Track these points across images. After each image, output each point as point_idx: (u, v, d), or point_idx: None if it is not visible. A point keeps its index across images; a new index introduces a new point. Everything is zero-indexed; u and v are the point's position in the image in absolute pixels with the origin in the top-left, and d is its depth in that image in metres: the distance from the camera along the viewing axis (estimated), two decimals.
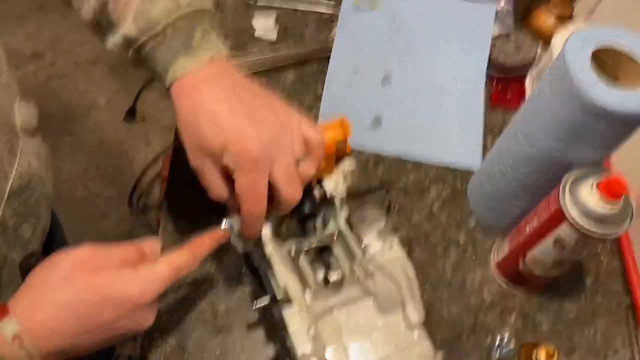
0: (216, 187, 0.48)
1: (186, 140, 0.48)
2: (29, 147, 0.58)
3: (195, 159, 0.47)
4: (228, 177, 0.47)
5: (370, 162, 0.77)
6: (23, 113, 0.58)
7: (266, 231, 0.54)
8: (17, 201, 0.54)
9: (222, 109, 0.46)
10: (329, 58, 0.84)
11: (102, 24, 0.50)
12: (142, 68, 0.51)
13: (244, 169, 0.45)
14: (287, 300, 0.49)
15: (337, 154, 0.56)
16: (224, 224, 0.54)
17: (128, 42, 0.48)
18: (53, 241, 0.83)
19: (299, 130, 0.49)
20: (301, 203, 0.52)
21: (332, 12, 0.90)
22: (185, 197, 0.71)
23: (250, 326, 0.64)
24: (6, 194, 0.52)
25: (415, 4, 0.89)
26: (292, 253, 0.55)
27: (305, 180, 0.49)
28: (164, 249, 0.67)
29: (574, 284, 0.69)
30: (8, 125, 0.53)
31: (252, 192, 0.46)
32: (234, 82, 0.48)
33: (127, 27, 0.47)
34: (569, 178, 0.54)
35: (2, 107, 0.53)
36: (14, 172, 0.53)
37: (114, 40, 0.49)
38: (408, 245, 0.70)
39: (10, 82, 0.59)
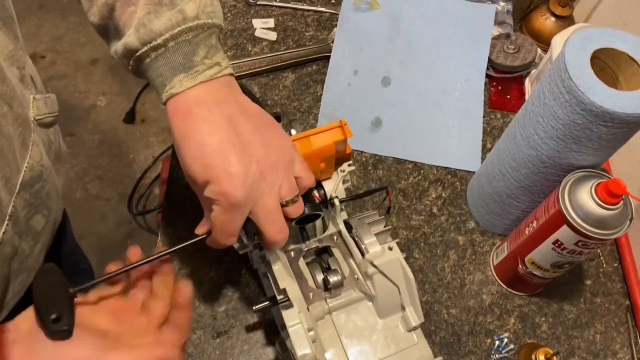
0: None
1: (179, 160, 0.47)
2: (41, 139, 0.58)
3: (186, 178, 0.47)
4: None
5: (369, 163, 0.77)
6: (39, 106, 0.58)
7: None
8: (29, 193, 0.55)
9: (212, 141, 0.43)
10: (329, 58, 0.84)
11: (109, 29, 0.49)
12: (141, 78, 0.49)
13: (223, 209, 0.44)
14: (287, 301, 0.49)
15: (337, 155, 0.56)
16: None
17: (128, 52, 0.46)
18: (64, 236, 0.83)
19: (291, 170, 0.48)
20: None
21: (332, 12, 0.90)
22: (184, 199, 0.71)
23: (250, 328, 0.64)
24: (18, 186, 0.52)
25: (415, 4, 0.89)
26: (292, 254, 0.55)
27: (290, 218, 0.49)
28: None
29: (573, 286, 0.69)
30: (21, 117, 0.53)
31: (225, 229, 0.46)
32: (231, 109, 0.45)
33: (129, 35, 0.45)
34: (568, 180, 0.54)
35: (19, 100, 0.53)
36: (25, 164, 0.53)
37: (115, 47, 0.48)
38: (407, 247, 0.70)
39: (31, 75, 0.59)
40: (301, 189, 0.49)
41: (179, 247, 0.51)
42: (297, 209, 0.49)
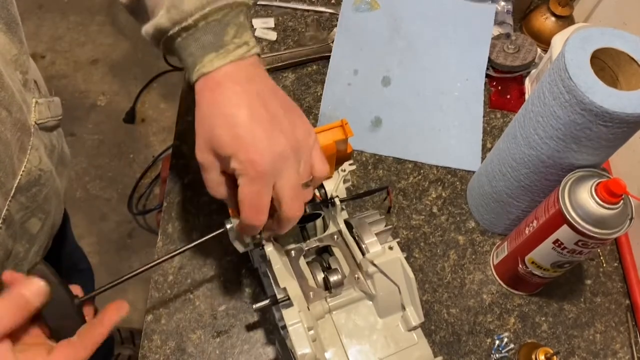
0: (215, 185, 0.48)
1: (198, 134, 0.47)
2: (41, 143, 0.58)
3: (201, 154, 0.47)
4: (230, 177, 0.47)
5: (370, 162, 0.77)
6: (41, 110, 0.58)
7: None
8: (25, 196, 0.55)
9: (242, 113, 0.44)
10: (329, 58, 0.84)
11: (139, 9, 0.50)
12: (171, 56, 0.50)
13: (250, 179, 0.44)
14: (287, 300, 0.49)
15: (338, 154, 0.56)
16: (227, 225, 0.54)
17: (159, 32, 0.46)
18: (64, 238, 0.83)
19: (310, 156, 0.48)
20: None
21: (332, 12, 0.90)
22: (184, 199, 0.72)
23: (250, 327, 0.64)
24: (13, 190, 0.52)
25: (415, 4, 0.89)
26: (292, 254, 0.55)
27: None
28: (165, 249, 0.68)
29: (573, 285, 0.69)
30: (20, 122, 0.53)
31: (254, 203, 0.45)
32: (260, 87, 0.46)
33: (160, 16, 0.46)
34: (568, 179, 0.54)
35: (19, 105, 0.53)
36: (23, 168, 0.54)
37: (146, 28, 0.48)
38: (407, 247, 0.70)
39: (35, 79, 0.59)
40: (316, 177, 0.49)
41: (200, 241, 0.51)
42: (309, 194, 0.49)
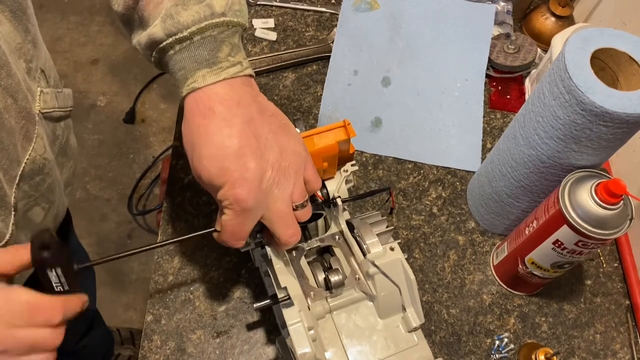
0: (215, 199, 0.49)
1: (188, 156, 0.47)
2: (46, 132, 0.57)
3: (194, 176, 0.47)
4: None
5: (370, 163, 0.77)
6: (46, 99, 0.57)
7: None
8: (28, 184, 0.54)
9: (232, 144, 0.43)
10: (329, 58, 0.84)
11: (133, 19, 0.49)
12: (163, 71, 0.49)
13: (234, 213, 0.44)
14: (288, 300, 0.49)
15: (340, 155, 0.56)
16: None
17: (152, 43, 0.46)
18: (68, 233, 0.83)
19: (301, 176, 0.48)
20: None
21: (332, 12, 0.90)
22: (184, 199, 0.72)
23: (250, 327, 0.64)
24: (17, 178, 0.52)
25: (415, 4, 0.89)
26: (294, 253, 0.55)
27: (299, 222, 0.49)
28: (165, 249, 0.68)
29: (573, 286, 0.69)
30: (25, 110, 0.52)
31: (235, 231, 0.46)
32: (251, 110, 0.46)
33: (154, 26, 0.45)
34: (568, 180, 0.54)
35: (24, 93, 0.52)
36: (27, 156, 0.53)
37: (139, 38, 0.48)
38: (407, 247, 0.70)
39: (42, 68, 0.58)
40: (307, 192, 0.49)
41: (186, 237, 0.51)
42: (306, 214, 0.49)
